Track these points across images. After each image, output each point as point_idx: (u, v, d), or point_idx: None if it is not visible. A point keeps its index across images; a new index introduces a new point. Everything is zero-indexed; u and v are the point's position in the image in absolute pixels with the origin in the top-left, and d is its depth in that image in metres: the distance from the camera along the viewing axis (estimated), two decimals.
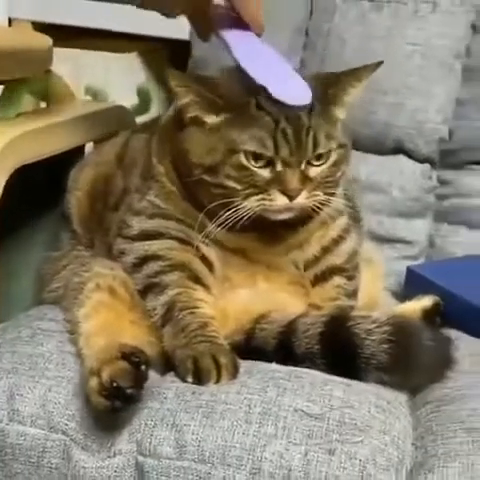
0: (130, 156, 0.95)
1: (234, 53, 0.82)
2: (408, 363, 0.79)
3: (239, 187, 0.80)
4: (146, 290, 0.84)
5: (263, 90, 0.79)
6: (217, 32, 0.86)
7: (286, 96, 0.79)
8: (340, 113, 0.84)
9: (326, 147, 0.81)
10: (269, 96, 0.79)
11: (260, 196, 0.80)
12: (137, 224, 0.87)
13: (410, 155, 1.18)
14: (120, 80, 1.52)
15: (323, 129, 0.80)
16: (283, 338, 0.81)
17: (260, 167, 0.79)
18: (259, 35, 0.85)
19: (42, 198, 1.04)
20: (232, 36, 0.85)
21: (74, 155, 1.04)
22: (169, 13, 0.88)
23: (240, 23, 0.85)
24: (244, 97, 0.80)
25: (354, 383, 0.78)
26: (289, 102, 0.79)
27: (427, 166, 1.19)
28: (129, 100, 1.46)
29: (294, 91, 0.80)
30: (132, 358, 0.73)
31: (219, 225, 0.81)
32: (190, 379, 0.77)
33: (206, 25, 0.86)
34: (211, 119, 0.81)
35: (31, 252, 1.03)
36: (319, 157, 0.81)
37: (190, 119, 0.82)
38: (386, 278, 1.07)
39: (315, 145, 0.80)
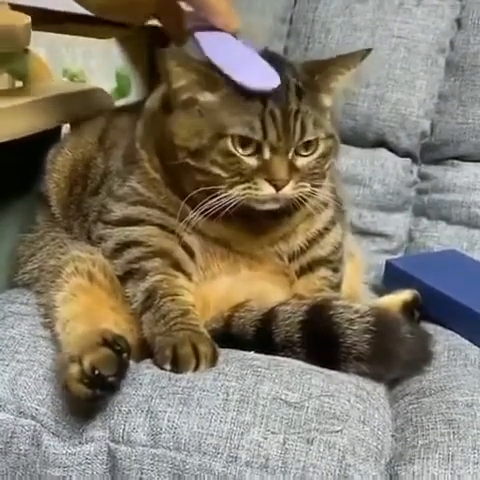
0: (112, 138, 0.92)
1: (200, 44, 0.80)
2: (388, 354, 0.78)
3: (225, 174, 0.78)
4: (126, 276, 0.82)
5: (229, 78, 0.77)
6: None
7: (252, 82, 0.77)
8: (328, 101, 0.83)
9: (314, 134, 0.79)
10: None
11: (246, 185, 0.78)
12: (118, 210, 0.84)
13: (391, 148, 1.18)
14: (99, 65, 1.50)
15: (311, 116, 0.78)
16: (262, 326, 0.80)
17: (247, 155, 0.77)
18: (234, 34, 0.83)
19: (15, 179, 1.01)
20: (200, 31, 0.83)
21: (51, 137, 1.01)
22: (132, 21, 0.87)
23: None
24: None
25: (334, 373, 0.77)
26: (255, 87, 0.77)
27: (408, 160, 1.18)
28: (108, 85, 1.43)
29: (261, 76, 0.78)
30: (114, 345, 0.71)
31: (201, 213, 0.79)
32: (168, 367, 0.75)
33: (179, 30, 0.85)
34: (206, 97, 0.78)
35: (4, 234, 1.00)
36: (307, 146, 0.79)
37: (184, 101, 0.79)
38: (366, 272, 1.06)
39: (303, 131, 0.78)
